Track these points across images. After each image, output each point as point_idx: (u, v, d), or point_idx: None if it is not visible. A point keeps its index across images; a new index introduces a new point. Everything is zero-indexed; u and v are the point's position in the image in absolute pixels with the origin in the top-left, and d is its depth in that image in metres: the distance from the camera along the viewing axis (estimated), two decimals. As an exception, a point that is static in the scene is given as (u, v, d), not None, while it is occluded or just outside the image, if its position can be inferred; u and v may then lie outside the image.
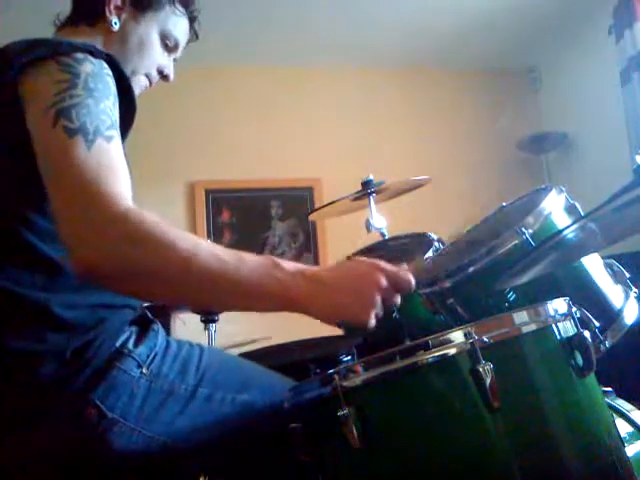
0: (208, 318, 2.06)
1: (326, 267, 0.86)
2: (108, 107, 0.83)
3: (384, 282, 0.83)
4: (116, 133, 0.82)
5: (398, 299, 0.87)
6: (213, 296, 0.80)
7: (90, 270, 0.73)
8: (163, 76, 1.15)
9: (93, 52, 0.87)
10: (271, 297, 0.79)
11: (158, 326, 0.96)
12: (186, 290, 0.78)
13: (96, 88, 0.83)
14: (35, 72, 0.83)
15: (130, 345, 0.89)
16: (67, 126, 0.77)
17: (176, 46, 1.15)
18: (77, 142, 0.76)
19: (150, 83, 1.14)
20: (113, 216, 0.73)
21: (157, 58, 1.11)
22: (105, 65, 0.88)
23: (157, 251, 0.74)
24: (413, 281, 0.87)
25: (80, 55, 0.85)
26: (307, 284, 0.80)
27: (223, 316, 2.10)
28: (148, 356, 0.89)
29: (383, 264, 0.85)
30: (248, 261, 0.78)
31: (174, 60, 1.17)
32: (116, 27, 1.05)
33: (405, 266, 0.89)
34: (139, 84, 1.11)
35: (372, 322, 0.82)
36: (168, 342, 0.95)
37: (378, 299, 0.82)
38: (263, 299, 0.79)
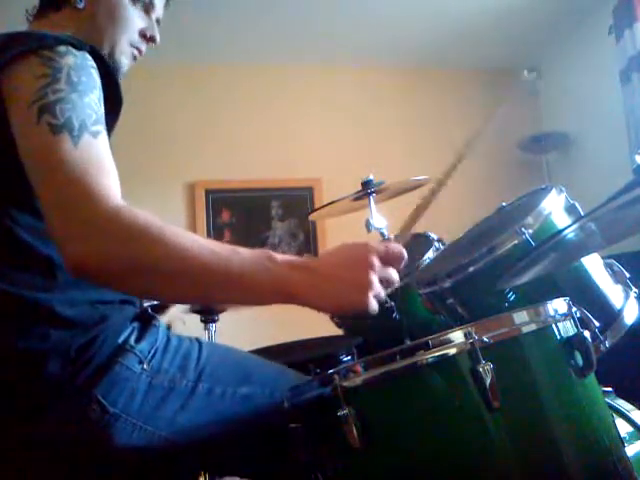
0: (208, 318, 2.05)
1: (318, 256, 0.84)
2: (93, 101, 0.81)
3: (376, 261, 0.81)
4: (102, 128, 0.81)
5: (395, 275, 0.84)
6: (208, 290, 0.79)
7: (84, 267, 0.72)
8: (148, 39, 1.09)
9: (75, 44, 0.85)
10: (264, 289, 0.78)
11: (159, 322, 0.96)
12: (181, 285, 0.77)
13: (80, 82, 0.81)
14: (16, 68, 0.81)
15: (132, 341, 0.89)
16: (51, 122, 0.76)
17: (152, 3, 1.08)
18: (63, 139, 0.75)
19: (139, 51, 1.08)
20: (105, 212, 0.73)
21: (135, 22, 1.06)
22: (88, 57, 0.85)
23: (151, 246, 0.73)
24: (404, 252, 0.85)
25: (62, 48, 0.83)
26: (300, 275, 0.78)
27: (223, 316, 2.10)
28: (149, 352, 0.89)
29: (372, 243, 0.83)
30: (242, 254, 0.78)
31: (157, 22, 1.11)
32: (81, 4, 1.00)
33: (393, 239, 0.87)
34: (126, 55, 1.06)
35: (373, 305, 0.79)
36: (169, 337, 0.95)
37: (374, 279, 0.80)
38: (257, 292, 0.78)
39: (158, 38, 1.10)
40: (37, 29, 1.00)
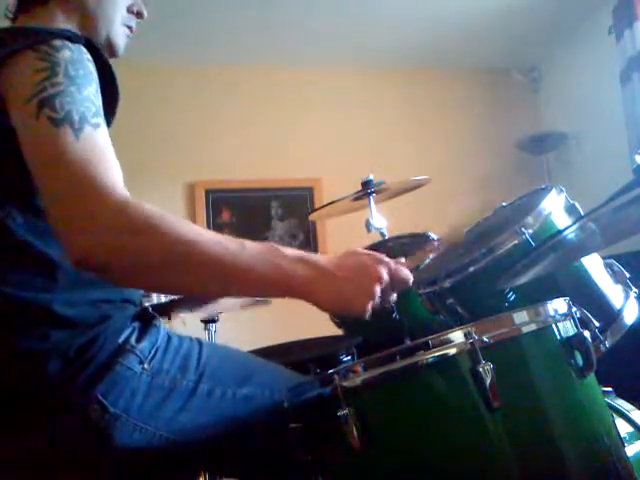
0: (208, 318, 2.05)
1: (328, 255, 0.86)
2: (91, 94, 0.81)
3: (385, 275, 0.83)
4: (101, 120, 0.80)
5: (395, 296, 0.87)
6: (214, 282, 0.79)
7: (90, 260, 0.72)
8: (137, 15, 1.07)
9: (71, 37, 0.84)
10: (271, 283, 0.79)
11: (159, 321, 0.95)
12: (188, 277, 0.77)
13: (77, 75, 0.80)
14: (13, 63, 0.80)
15: (132, 341, 0.88)
16: (52, 116, 0.75)
17: None
18: (64, 132, 0.75)
19: (130, 29, 1.07)
20: (112, 204, 0.72)
21: (122, 0, 1.04)
22: (84, 50, 0.85)
23: (159, 239, 0.74)
24: (411, 279, 0.88)
25: (58, 42, 0.82)
26: (307, 271, 0.80)
27: (223, 316, 2.10)
28: (150, 352, 0.89)
29: (385, 258, 0.86)
30: (249, 247, 0.78)
31: None
32: None
33: (403, 261, 0.89)
34: (121, 36, 1.05)
35: (368, 312, 0.82)
36: (169, 337, 0.95)
37: (377, 291, 0.82)
38: (263, 285, 0.79)
39: (145, 12, 1.08)
40: (27, 24, 0.98)
